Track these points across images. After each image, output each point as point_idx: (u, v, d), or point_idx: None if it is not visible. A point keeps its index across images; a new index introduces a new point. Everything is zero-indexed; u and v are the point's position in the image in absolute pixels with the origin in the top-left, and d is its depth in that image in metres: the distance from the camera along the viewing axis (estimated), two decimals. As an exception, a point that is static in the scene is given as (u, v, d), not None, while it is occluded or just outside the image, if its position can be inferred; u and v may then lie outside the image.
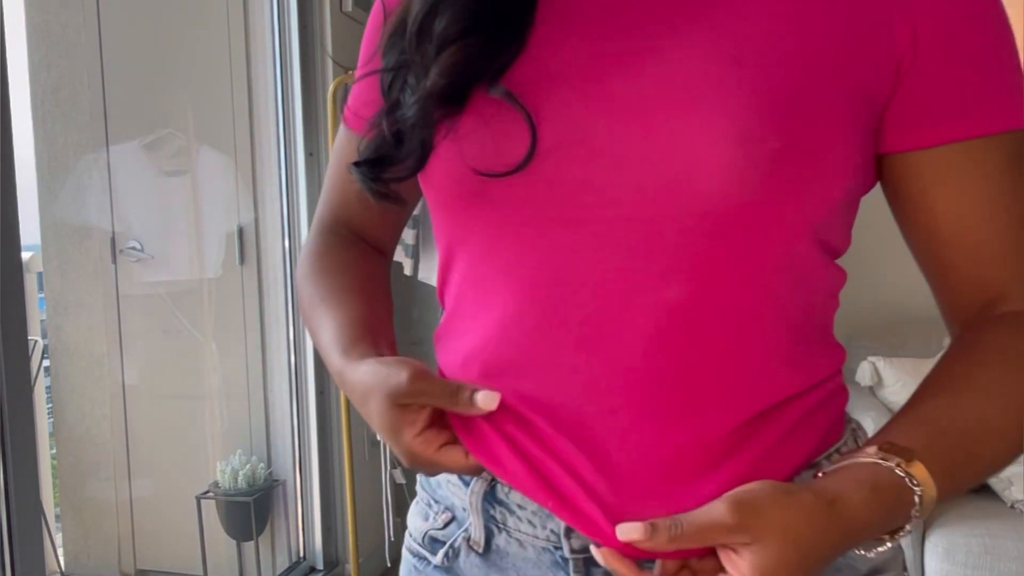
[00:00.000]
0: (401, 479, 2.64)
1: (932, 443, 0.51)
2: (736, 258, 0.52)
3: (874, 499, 0.48)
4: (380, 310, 0.66)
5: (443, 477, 0.65)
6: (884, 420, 2.26)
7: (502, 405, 0.54)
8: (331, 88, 2.30)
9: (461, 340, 0.60)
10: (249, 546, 2.51)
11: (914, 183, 0.55)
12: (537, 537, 0.59)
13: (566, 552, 0.57)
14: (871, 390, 2.22)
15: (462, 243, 0.59)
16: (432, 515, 0.66)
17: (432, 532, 0.66)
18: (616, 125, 0.52)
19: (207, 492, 2.48)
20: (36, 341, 2.46)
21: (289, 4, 2.35)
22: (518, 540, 0.60)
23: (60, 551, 2.64)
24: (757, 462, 0.53)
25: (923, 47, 0.52)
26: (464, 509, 0.62)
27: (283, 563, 2.52)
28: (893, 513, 0.49)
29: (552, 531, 0.58)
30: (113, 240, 2.56)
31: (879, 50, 0.52)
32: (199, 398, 2.63)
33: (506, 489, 0.60)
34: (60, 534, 2.67)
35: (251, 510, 2.41)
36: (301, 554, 2.52)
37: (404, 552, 0.70)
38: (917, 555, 1.87)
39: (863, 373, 2.23)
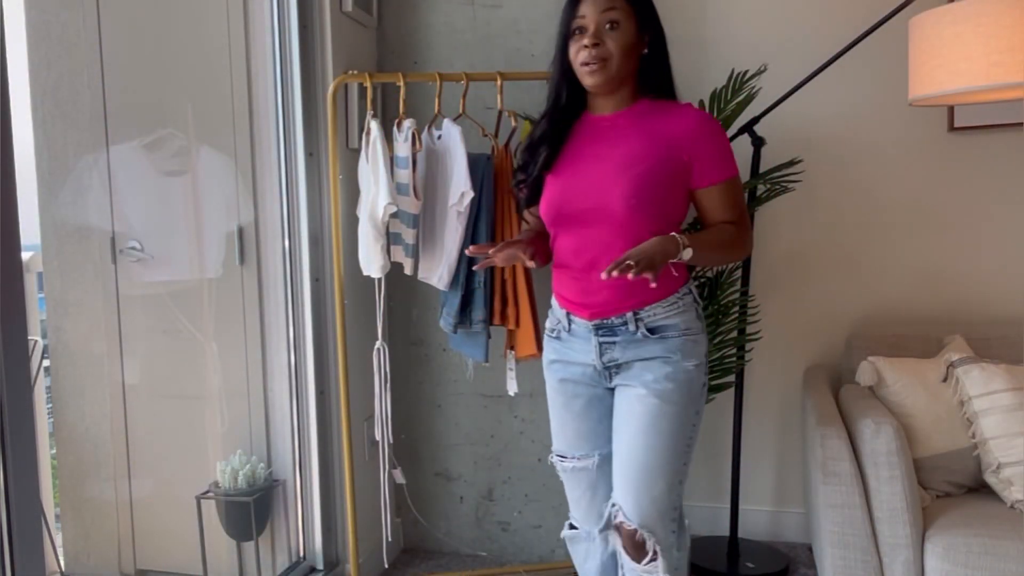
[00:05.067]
0: (401, 479, 2.64)
1: (693, 236, 1.57)
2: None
3: (667, 237, 1.53)
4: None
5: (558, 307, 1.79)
6: (885, 421, 2.23)
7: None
8: (331, 88, 2.30)
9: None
10: (249, 546, 2.51)
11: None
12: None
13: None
14: (871, 390, 2.20)
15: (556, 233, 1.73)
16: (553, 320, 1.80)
17: (550, 326, 1.82)
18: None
19: (207, 492, 2.49)
20: (36, 341, 2.46)
21: (289, 4, 2.35)
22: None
23: (60, 551, 2.64)
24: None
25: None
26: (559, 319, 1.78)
27: (283, 563, 2.52)
28: (672, 242, 1.52)
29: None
30: (113, 240, 2.56)
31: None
32: (199, 398, 2.63)
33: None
34: (60, 534, 2.67)
35: (251, 510, 2.41)
36: (301, 554, 2.52)
37: (544, 337, 1.84)
38: (917, 555, 1.87)
39: (863, 373, 2.21)
